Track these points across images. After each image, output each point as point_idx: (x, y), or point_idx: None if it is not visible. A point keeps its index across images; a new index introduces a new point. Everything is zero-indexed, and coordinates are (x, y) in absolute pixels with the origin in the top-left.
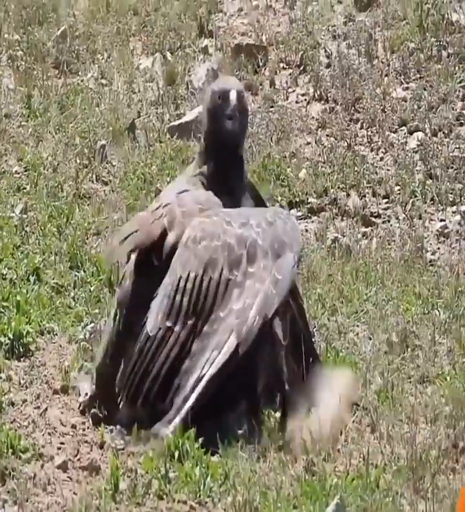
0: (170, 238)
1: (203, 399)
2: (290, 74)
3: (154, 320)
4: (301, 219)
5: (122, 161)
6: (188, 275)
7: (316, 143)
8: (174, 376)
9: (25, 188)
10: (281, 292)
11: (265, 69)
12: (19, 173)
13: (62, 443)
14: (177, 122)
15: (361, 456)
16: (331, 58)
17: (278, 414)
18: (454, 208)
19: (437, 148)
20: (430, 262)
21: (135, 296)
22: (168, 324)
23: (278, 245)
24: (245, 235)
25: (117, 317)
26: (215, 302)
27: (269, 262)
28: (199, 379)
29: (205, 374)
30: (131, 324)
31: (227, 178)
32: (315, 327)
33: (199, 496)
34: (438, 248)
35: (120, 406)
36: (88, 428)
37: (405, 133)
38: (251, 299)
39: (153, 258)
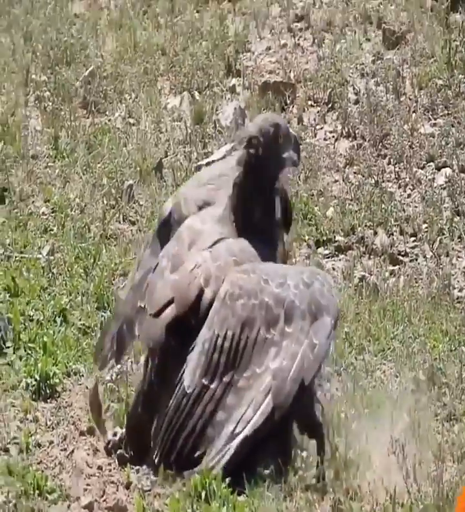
0: (207, 294)
1: (237, 459)
2: (318, 111)
3: (191, 376)
4: (328, 257)
5: (149, 201)
6: (226, 333)
7: (343, 180)
8: (206, 427)
9: (52, 229)
10: (319, 358)
11: (292, 106)
12: (46, 214)
13: (88, 484)
14: (204, 161)
15: (388, 494)
16: (359, 95)
17: (305, 454)
18: None
19: None
20: (457, 299)
21: (168, 343)
22: (205, 381)
23: (315, 308)
24: (282, 296)
25: (149, 365)
26: (251, 359)
27: (306, 324)
28: (233, 436)
29: (239, 433)
30: (163, 371)
31: (267, 218)
32: (342, 366)
33: None
34: None
35: (155, 461)
36: (114, 469)
37: (432, 169)
38: (289, 361)
39: (191, 319)
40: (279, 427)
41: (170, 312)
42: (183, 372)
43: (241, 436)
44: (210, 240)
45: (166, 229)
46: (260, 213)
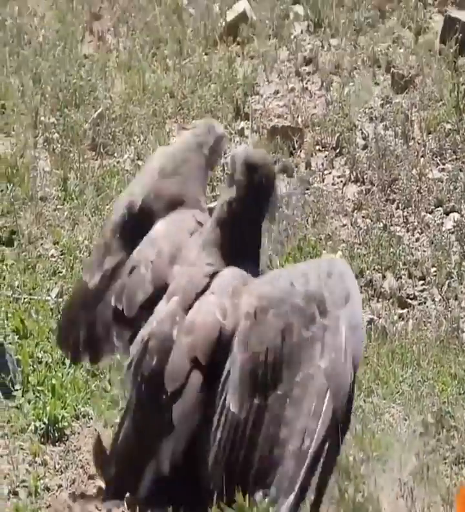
0: (228, 326)
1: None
2: (326, 156)
3: (238, 402)
4: None
5: None
6: (267, 348)
7: (352, 224)
8: (273, 448)
9: (61, 272)
10: (360, 340)
11: (301, 151)
12: (54, 257)
13: None
14: (212, 204)
15: None
16: (368, 140)
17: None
18: None
19: None
20: None
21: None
22: (257, 401)
23: (344, 292)
24: (310, 291)
25: (142, 390)
26: (300, 362)
27: (340, 311)
28: (301, 454)
29: (307, 450)
30: (156, 393)
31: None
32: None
33: None
34: None
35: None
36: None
37: (441, 214)
38: (336, 354)
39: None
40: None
41: (196, 381)
42: (224, 400)
43: (311, 453)
44: (201, 274)
45: (134, 227)
46: (249, 238)
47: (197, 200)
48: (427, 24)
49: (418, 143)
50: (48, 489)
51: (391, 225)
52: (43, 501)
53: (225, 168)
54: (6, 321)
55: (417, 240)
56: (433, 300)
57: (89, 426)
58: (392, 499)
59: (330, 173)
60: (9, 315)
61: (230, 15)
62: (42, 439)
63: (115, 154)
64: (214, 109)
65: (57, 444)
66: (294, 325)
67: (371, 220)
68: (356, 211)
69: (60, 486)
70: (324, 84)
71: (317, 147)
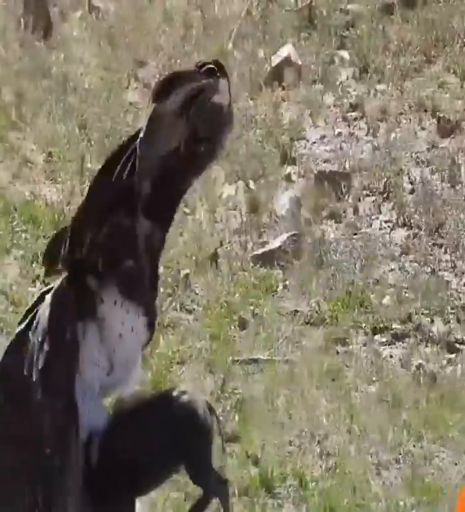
0: None
1: None
2: (373, 201)
3: None
4: (385, 345)
5: (205, 290)
6: None
7: (399, 269)
8: None
9: None
10: None
11: (348, 196)
12: None
13: None
14: (260, 250)
15: None
16: (415, 184)
17: None
18: None
19: None
20: None
21: None
22: None
23: None
24: None
25: None
26: None
27: None
28: None
29: None
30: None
31: None
32: (400, 454)
33: None
34: None
35: None
36: None
37: None
38: None
39: None
40: None
41: None
42: None
43: None
44: None
45: None
46: None
47: None
48: None
49: None
50: None
51: (439, 269)
52: None
53: (272, 214)
54: None
55: None
56: None
57: None
58: None
59: (377, 218)
60: None
61: (275, 60)
62: None
63: None
64: (260, 155)
65: None
66: None
67: (419, 265)
68: (403, 256)
69: None
70: (371, 129)
71: (364, 192)
